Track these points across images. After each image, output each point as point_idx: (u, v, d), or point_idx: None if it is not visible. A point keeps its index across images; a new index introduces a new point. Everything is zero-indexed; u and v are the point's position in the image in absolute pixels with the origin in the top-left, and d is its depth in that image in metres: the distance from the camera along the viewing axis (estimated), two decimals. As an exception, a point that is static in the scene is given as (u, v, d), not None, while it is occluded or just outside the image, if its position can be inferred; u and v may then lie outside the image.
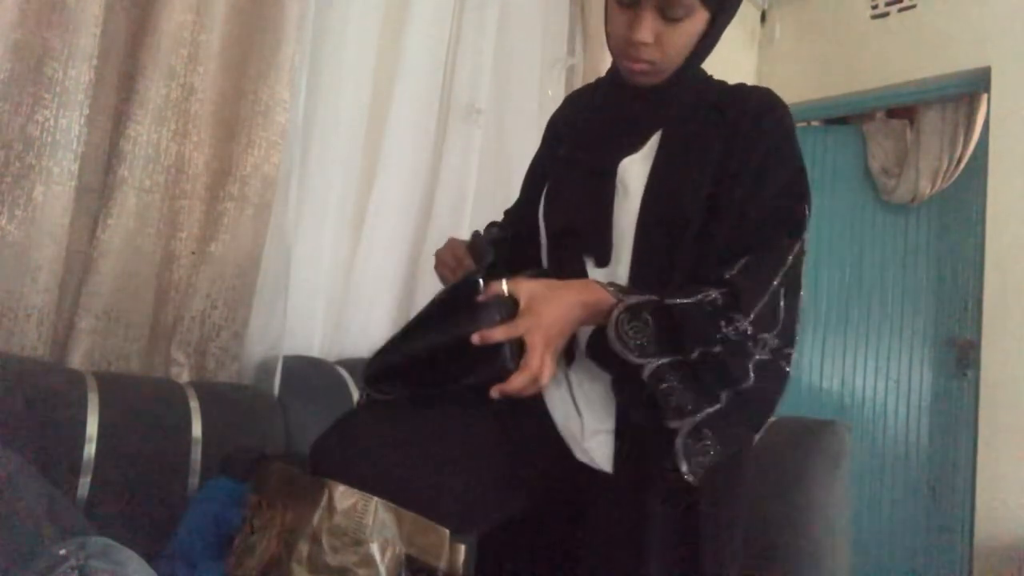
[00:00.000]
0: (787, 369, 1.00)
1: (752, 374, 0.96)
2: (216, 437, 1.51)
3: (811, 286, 3.57)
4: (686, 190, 1.01)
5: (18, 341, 1.45)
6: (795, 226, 1.01)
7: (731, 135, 1.04)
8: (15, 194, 1.44)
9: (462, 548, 0.92)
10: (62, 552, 0.75)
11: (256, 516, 0.98)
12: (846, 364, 3.49)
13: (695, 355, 0.94)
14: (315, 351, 1.93)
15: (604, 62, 2.57)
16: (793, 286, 0.99)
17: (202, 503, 1.32)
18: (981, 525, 2.74)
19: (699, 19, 1.01)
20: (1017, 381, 2.72)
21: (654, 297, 0.95)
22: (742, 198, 1.00)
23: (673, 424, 0.94)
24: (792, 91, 3.46)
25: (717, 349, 0.94)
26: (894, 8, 3.20)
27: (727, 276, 0.96)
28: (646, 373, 0.93)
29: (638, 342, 0.93)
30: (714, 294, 0.95)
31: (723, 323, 0.94)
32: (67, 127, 1.48)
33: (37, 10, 1.47)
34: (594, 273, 1.06)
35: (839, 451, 2.02)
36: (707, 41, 1.06)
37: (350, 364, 1.86)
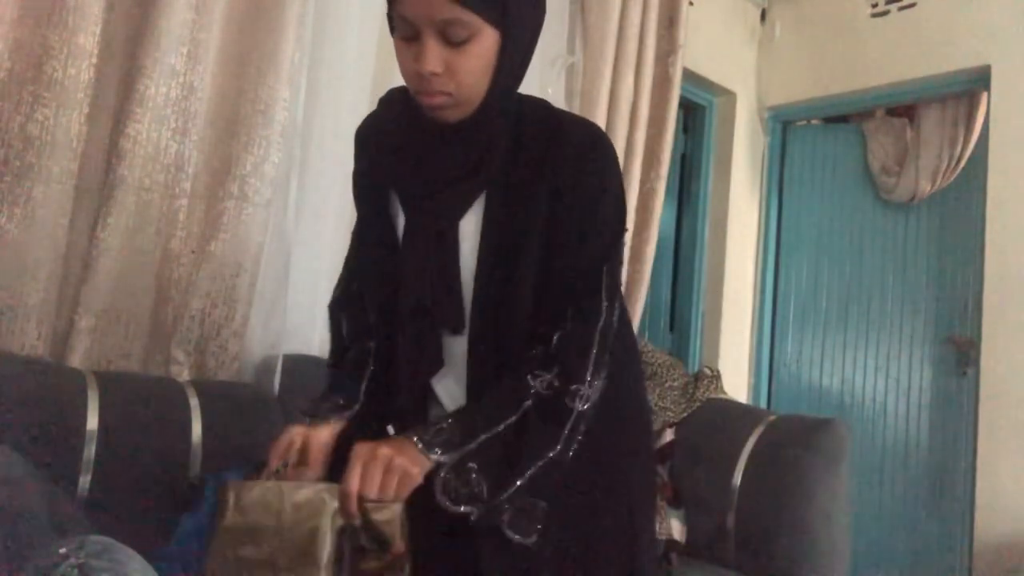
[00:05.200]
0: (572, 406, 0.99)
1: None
2: (216, 436, 1.51)
3: (811, 285, 3.58)
4: (517, 247, 1.01)
5: (18, 340, 1.45)
6: (612, 265, 1.03)
7: (554, 181, 1.01)
8: (15, 193, 1.44)
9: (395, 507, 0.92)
10: (62, 551, 0.75)
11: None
12: (846, 362, 3.49)
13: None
14: (315, 350, 1.93)
15: (604, 61, 2.57)
16: (606, 326, 1.01)
17: (202, 502, 1.32)
18: (981, 524, 2.73)
19: (488, 39, 0.94)
20: (1017, 379, 2.72)
21: (469, 445, 0.95)
22: (562, 251, 1.01)
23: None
24: (792, 89, 3.46)
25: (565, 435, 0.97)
26: (894, 6, 3.19)
27: (551, 350, 0.99)
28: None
29: (467, 493, 0.94)
30: (543, 380, 0.97)
31: (559, 414, 0.97)
32: (67, 126, 1.48)
33: (37, 8, 1.47)
34: (449, 340, 1.07)
35: (839, 449, 2.02)
36: (510, 63, 0.98)
37: (350, 363, 1.86)
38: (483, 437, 0.95)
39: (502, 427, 0.96)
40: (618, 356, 1.06)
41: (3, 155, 1.44)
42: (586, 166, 1.02)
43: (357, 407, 1.13)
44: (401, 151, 1.07)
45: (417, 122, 1.03)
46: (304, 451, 1.06)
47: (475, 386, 1.06)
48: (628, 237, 2.69)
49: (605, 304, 1.01)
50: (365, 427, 1.11)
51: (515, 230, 1.01)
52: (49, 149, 1.46)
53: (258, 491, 0.92)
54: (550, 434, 0.97)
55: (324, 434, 1.09)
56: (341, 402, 1.12)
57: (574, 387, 0.98)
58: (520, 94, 1.06)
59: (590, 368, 0.99)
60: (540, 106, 1.07)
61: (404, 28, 0.95)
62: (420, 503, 0.95)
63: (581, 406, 0.98)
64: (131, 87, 1.59)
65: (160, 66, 1.60)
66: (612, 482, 1.09)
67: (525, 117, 1.04)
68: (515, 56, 0.99)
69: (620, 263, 1.06)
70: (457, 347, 1.06)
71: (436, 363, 1.08)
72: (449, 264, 1.03)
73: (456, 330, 1.05)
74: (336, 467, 1.07)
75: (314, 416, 1.11)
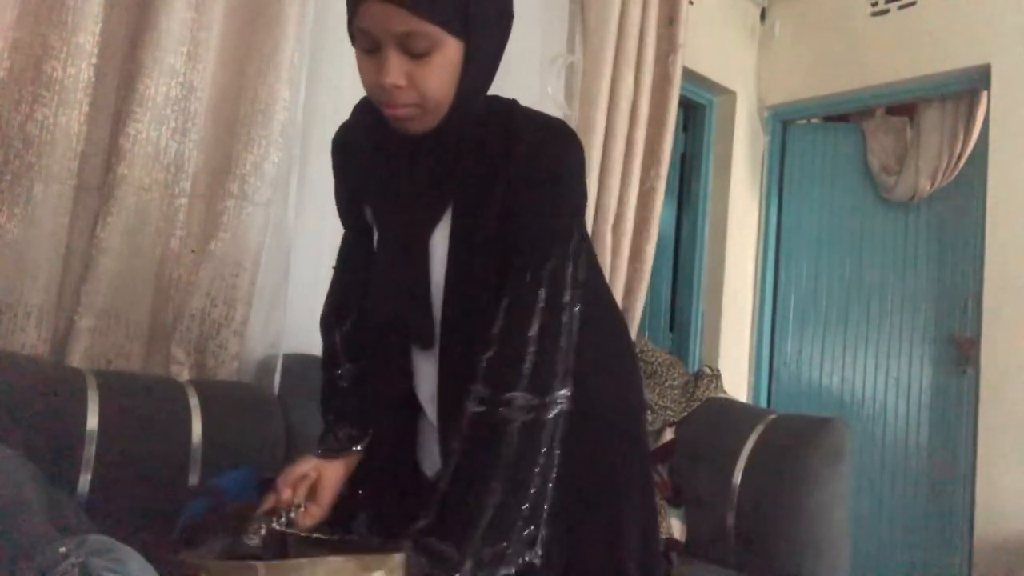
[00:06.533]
0: (544, 418, 0.93)
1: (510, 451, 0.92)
2: (216, 435, 1.51)
3: (811, 284, 3.58)
4: (480, 257, 0.98)
5: (18, 339, 1.45)
6: (560, 260, 0.97)
7: (507, 179, 0.97)
8: (15, 192, 1.44)
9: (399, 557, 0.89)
10: (63, 550, 0.75)
11: None
12: (846, 362, 3.49)
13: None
14: (315, 349, 1.91)
15: (604, 60, 2.57)
16: (553, 329, 0.95)
17: (199, 498, 1.32)
18: (981, 523, 2.73)
19: (451, 50, 0.91)
20: (1017, 378, 2.72)
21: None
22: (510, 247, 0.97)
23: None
24: (792, 88, 3.46)
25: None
26: (894, 5, 3.19)
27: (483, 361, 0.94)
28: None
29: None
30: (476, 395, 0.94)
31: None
32: (66, 125, 1.48)
33: (37, 8, 1.47)
34: (419, 355, 1.06)
35: (839, 448, 2.02)
36: (475, 72, 0.95)
37: (350, 362, 1.86)
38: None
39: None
40: (598, 355, 1.03)
41: (3, 155, 1.44)
42: (537, 160, 0.97)
43: (368, 437, 1.12)
44: (371, 165, 1.06)
45: (386, 134, 1.00)
46: (316, 487, 1.05)
47: (446, 401, 1.02)
48: (628, 237, 2.69)
49: (543, 299, 0.95)
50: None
51: (478, 239, 0.98)
52: (49, 149, 1.46)
53: (232, 572, 0.89)
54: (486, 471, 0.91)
55: (337, 471, 1.08)
56: (353, 433, 1.11)
57: (506, 396, 0.92)
58: (490, 96, 1.03)
59: (524, 377, 0.92)
60: (505, 108, 1.03)
61: (364, 41, 0.92)
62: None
63: (520, 416, 0.91)
64: (131, 87, 1.59)
65: (160, 66, 1.60)
66: (595, 481, 1.04)
67: (490, 122, 1.00)
68: (480, 65, 0.95)
69: (571, 259, 0.98)
70: (428, 361, 1.05)
71: (406, 378, 1.08)
72: (419, 279, 1.01)
73: (426, 345, 1.03)
74: (343, 504, 1.07)
75: (328, 448, 1.10)
